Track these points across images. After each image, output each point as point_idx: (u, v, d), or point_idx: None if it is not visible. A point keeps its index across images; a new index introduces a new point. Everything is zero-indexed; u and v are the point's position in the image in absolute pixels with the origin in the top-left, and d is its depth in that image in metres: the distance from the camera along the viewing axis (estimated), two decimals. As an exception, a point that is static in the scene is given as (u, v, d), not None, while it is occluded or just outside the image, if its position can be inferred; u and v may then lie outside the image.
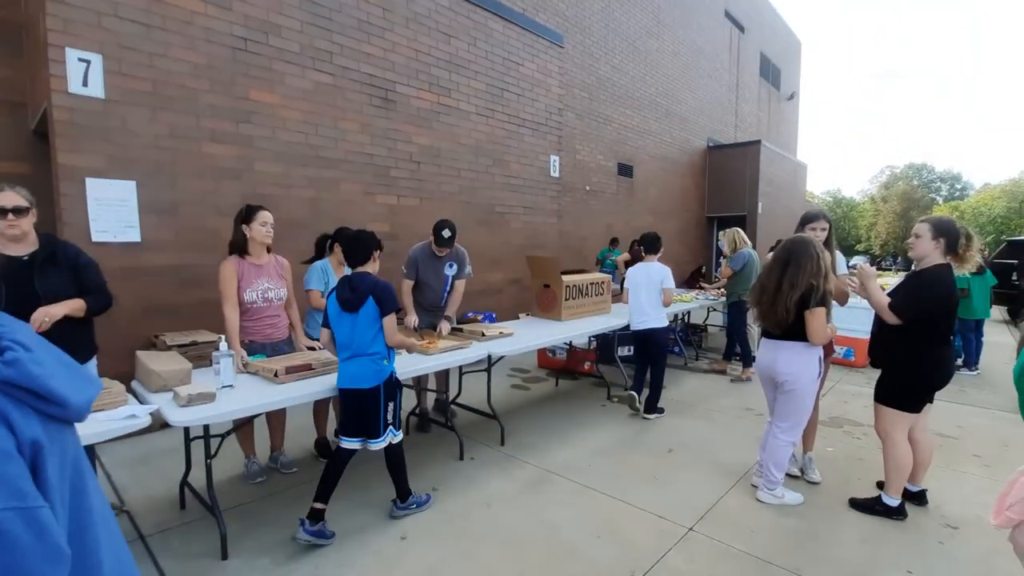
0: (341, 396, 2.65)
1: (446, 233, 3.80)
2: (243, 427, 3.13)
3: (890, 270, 38.66)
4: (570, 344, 5.49)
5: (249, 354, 3.00)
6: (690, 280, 9.88)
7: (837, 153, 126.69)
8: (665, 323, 4.46)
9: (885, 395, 2.81)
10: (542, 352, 6.03)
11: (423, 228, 5.97)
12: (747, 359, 5.58)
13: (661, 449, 3.78)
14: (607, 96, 11.36)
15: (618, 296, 5.35)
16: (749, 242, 5.71)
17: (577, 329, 4.53)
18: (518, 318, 5.13)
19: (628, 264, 7.25)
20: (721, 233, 5.98)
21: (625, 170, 12.03)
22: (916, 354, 2.69)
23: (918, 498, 2.95)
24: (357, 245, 2.66)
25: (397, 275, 4.13)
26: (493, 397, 3.90)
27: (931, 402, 2.82)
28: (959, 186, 57.44)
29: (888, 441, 2.79)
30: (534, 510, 2.91)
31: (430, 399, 4.35)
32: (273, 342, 3.15)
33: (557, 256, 7.60)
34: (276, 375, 2.66)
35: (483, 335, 3.86)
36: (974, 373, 6.07)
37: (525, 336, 4.07)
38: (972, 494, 3.07)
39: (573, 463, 3.52)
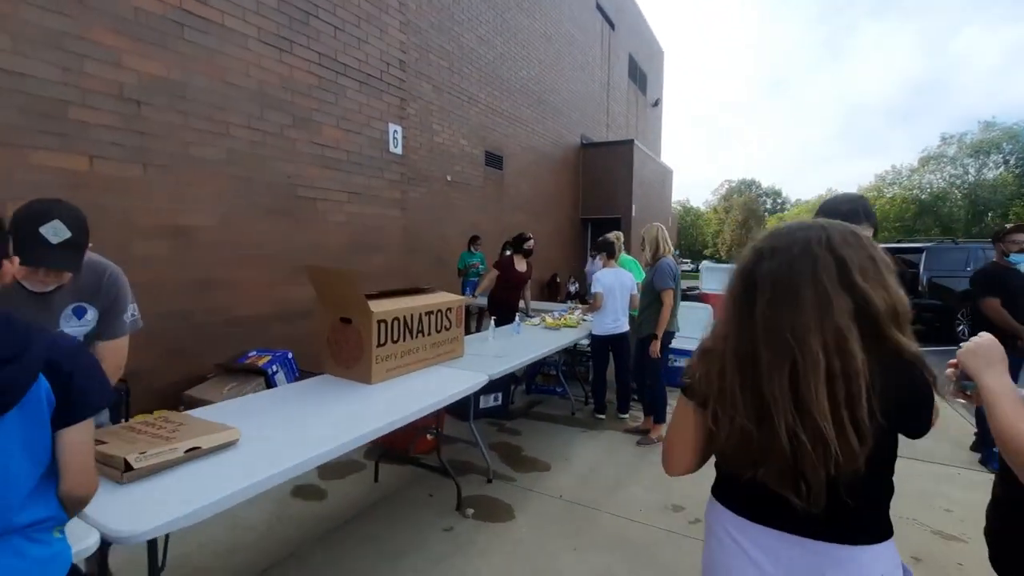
0: None
1: (50, 234, 1.42)
2: None
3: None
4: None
5: None
6: (551, 292, 8.24)
7: (686, 165, 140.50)
8: (627, 326, 4.45)
9: None
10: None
11: (148, 219, 3.52)
12: (661, 412, 3.96)
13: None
14: (472, 71, 9.48)
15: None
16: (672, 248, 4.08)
17: (404, 407, 2.42)
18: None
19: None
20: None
21: (494, 160, 10.26)
22: None
23: None
24: None
25: None
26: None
27: None
28: (780, 200, 66.44)
29: None
30: None
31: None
32: None
33: (357, 268, 5.51)
34: None
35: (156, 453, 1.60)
36: None
37: (272, 449, 1.89)
38: None
39: None
